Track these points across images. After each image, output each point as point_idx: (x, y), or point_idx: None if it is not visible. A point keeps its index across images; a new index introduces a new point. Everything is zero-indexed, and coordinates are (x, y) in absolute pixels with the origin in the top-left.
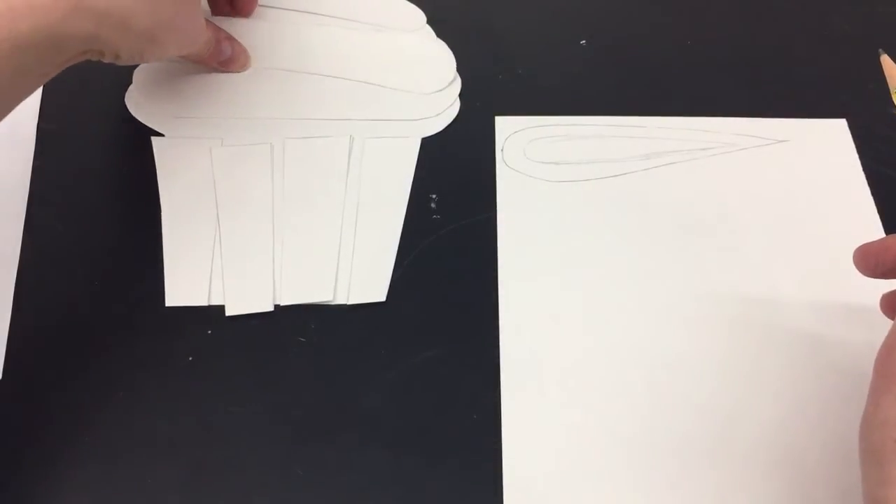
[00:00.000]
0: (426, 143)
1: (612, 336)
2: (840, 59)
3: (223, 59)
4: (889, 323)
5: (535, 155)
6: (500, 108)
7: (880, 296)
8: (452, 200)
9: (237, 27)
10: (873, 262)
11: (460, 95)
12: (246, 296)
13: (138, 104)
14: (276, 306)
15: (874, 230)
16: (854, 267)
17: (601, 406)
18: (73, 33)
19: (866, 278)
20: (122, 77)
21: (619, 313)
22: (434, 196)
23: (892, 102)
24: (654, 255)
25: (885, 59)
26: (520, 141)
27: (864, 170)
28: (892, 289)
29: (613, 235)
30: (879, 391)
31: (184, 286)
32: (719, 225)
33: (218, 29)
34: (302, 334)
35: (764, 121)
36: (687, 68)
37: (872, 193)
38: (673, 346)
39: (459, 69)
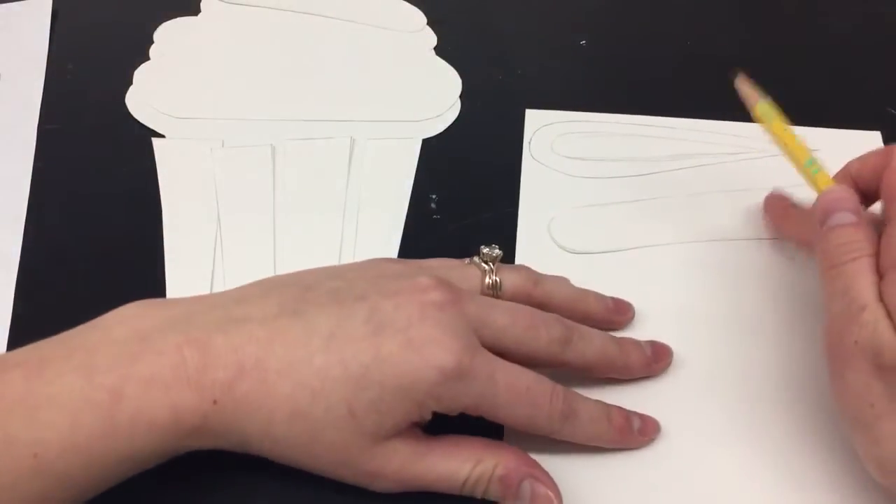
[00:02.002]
0: (426, 143)
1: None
2: (838, 60)
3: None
4: None
5: (563, 150)
6: (500, 108)
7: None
8: (453, 201)
9: (235, 28)
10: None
11: (461, 96)
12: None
13: (138, 104)
14: None
15: None
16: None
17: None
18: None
19: None
20: (123, 77)
21: (637, 314)
22: (434, 196)
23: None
24: (679, 255)
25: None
26: (548, 135)
27: None
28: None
29: (638, 235)
30: (840, 365)
31: (185, 287)
32: (744, 229)
33: (515, 455)
34: None
35: (799, 129)
36: (684, 70)
37: None
38: (690, 347)
39: (460, 70)
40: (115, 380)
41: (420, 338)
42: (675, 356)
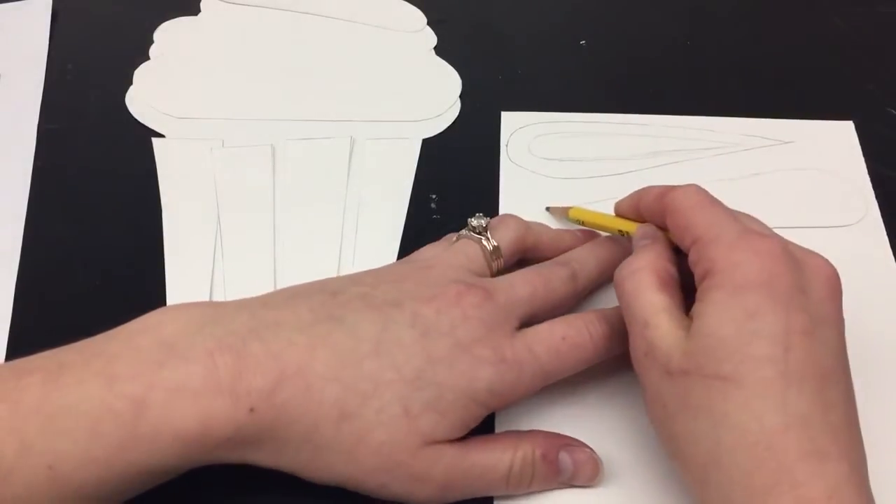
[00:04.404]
0: (426, 143)
1: None
2: (838, 60)
3: (563, 479)
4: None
5: (540, 151)
6: (501, 108)
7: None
8: (452, 201)
9: (235, 28)
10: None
11: (461, 96)
12: (247, 297)
13: (138, 104)
14: None
15: (877, 232)
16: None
17: (598, 403)
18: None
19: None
20: (123, 77)
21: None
22: (434, 196)
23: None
24: None
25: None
26: (525, 137)
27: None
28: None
29: None
30: (639, 372)
31: (185, 287)
32: None
33: (543, 434)
34: None
35: (770, 121)
36: (685, 69)
37: (876, 195)
38: None
39: (460, 70)
40: (137, 388)
41: (467, 339)
42: None
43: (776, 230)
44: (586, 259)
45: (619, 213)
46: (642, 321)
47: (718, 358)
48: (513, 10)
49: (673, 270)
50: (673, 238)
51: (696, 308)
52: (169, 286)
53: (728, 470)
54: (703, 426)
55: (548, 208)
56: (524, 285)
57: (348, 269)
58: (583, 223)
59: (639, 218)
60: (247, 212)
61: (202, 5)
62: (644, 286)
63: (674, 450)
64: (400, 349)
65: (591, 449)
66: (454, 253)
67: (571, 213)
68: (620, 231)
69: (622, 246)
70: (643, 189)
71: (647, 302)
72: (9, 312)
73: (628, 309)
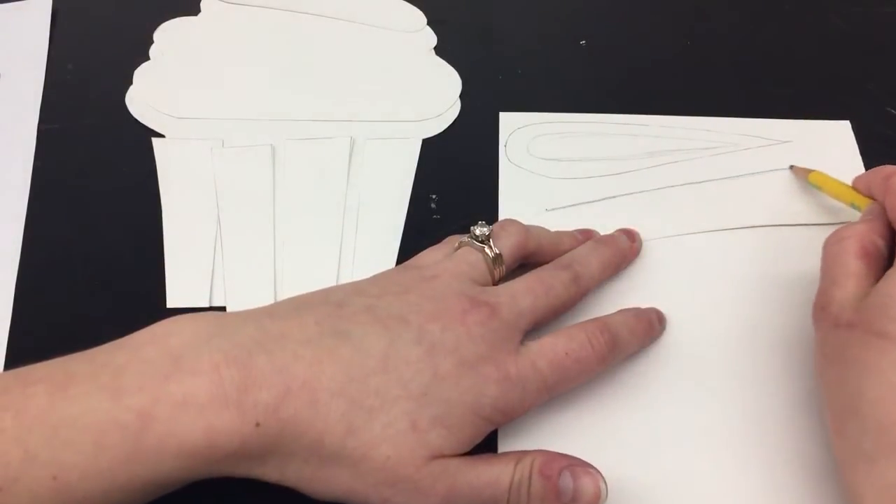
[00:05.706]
0: (426, 143)
1: None
2: (838, 60)
3: (564, 500)
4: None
5: (539, 151)
6: (501, 108)
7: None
8: (453, 201)
9: (235, 28)
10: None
11: (461, 96)
12: (247, 297)
13: (138, 104)
14: None
15: None
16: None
17: (601, 405)
18: (250, 453)
19: None
20: (123, 77)
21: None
22: (434, 196)
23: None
24: (656, 252)
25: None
26: (523, 137)
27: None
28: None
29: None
30: (815, 322)
31: (185, 287)
32: (718, 221)
33: (549, 452)
34: None
35: (767, 121)
36: (685, 69)
37: None
38: (679, 344)
39: (459, 70)
40: (144, 401)
41: (472, 357)
42: (660, 353)
43: (774, 228)
44: (588, 259)
45: (856, 186)
46: (832, 279)
47: (889, 317)
48: (513, 10)
49: (880, 245)
50: (891, 217)
51: (886, 274)
52: (169, 286)
53: (864, 420)
54: (851, 375)
55: (791, 167)
56: (527, 295)
57: (348, 269)
58: (820, 188)
59: (870, 194)
60: (247, 212)
61: (202, 5)
62: (846, 251)
63: (823, 397)
64: (406, 366)
65: (596, 471)
66: (457, 262)
67: (811, 177)
68: (853, 204)
69: (623, 245)
70: (877, 168)
71: (842, 264)
72: (9, 312)
73: (825, 268)
